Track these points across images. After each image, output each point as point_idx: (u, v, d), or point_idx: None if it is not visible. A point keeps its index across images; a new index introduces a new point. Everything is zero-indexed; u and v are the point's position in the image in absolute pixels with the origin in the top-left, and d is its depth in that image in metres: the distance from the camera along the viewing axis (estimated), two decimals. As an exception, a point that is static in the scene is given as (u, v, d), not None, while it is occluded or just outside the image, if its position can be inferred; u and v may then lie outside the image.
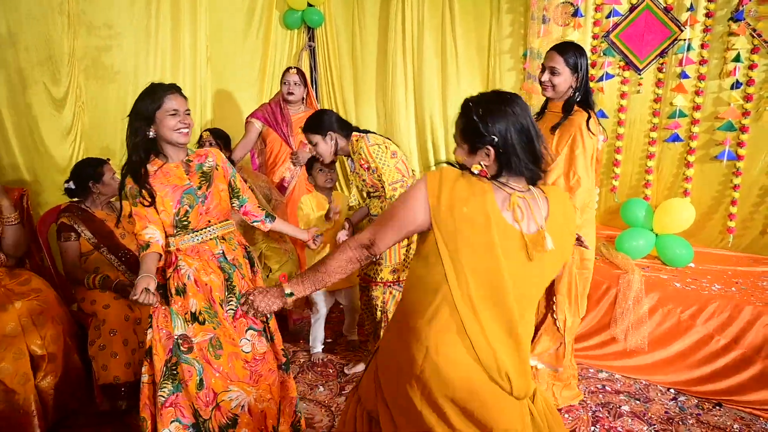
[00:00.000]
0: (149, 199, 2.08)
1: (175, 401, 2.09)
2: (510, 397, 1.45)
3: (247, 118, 3.74)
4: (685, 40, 3.65)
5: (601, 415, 2.81)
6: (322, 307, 3.30)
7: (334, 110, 4.82)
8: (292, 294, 1.62)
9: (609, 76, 3.97)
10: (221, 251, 2.21)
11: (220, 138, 3.44)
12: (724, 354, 2.90)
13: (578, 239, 2.29)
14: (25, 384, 2.48)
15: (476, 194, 1.40)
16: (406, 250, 2.87)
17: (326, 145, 2.80)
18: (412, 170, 3.05)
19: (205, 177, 2.20)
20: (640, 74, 3.86)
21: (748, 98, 3.50)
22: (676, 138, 3.79)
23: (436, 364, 1.40)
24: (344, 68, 4.93)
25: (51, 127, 3.65)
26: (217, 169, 2.26)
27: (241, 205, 2.36)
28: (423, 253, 1.47)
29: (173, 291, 2.12)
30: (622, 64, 3.94)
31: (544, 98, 2.66)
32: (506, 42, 4.34)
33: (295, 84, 3.58)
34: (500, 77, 4.40)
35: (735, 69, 3.51)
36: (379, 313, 2.90)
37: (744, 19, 3.43)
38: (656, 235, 3.57)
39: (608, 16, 3.90)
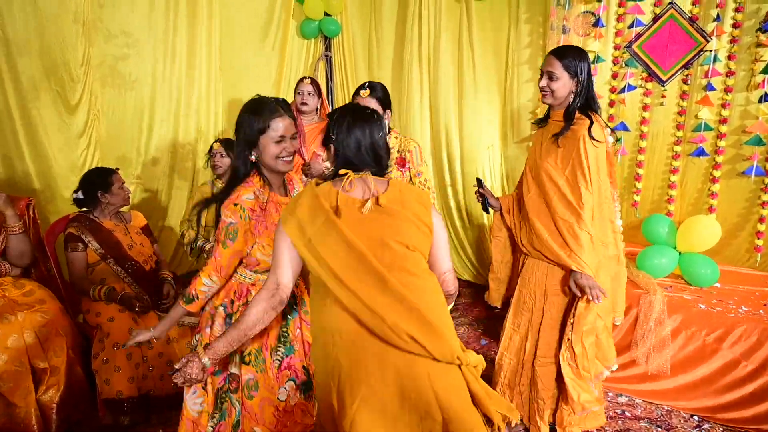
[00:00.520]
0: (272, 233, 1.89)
1: (220, 430, 2.01)
2: (438, 366, 1.58)
3: (260, 127, 3.70)
4: (711, 51, 3.53)
5: (620, 443, 2.70)
6: None
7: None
8: (207, 362, 1.76)
9: (631, 88, 3.85)
10: (294, 294, 2.06)
11: (232, 149, 3.38)
12: (752, 380, 2.76)
13: (592, 294, 2.31)
14: (27, 397, 2.44)
15: (307, 189, 1.69)
16: None
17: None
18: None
19: None
20: (663, 86, 3.74)
21: (777, 112, 3.36)
22: (701, 152, 3.65)
23: (344, 349, 1.60)
24: (360, 78, 4.89)
25: (63, 136, 3.65)
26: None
27: None
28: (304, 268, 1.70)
29: None
30: (644, 75, 3.82)
31: (546, 106, 2.56)
32: (525, 52, 4.25)
33: (309, 94, 3.53)
34: (518, 88, 4.31)
35: (764, 81, 3.37)
36: None
37: (773, 30, 3.29)
38: (680, 253, 3.43)
39: (631, 27, 3.79)
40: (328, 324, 1.63)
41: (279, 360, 2.04)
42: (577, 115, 2.41)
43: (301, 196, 1.68)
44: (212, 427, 1.98)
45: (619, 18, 3.83)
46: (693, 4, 3.57)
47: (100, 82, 3.76)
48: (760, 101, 3.40)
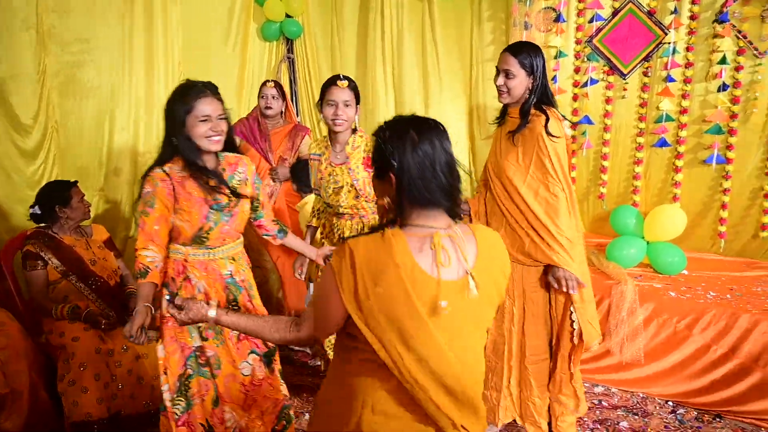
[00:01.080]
0: (188, 201, 1.97)
1: (188, 420, 2.00)
2: None
3: (224, 133, 3.62)
4: (669, 43, 3.60)
5: (599, 433, 2.72)
6: None
7: (314, 124, 4.74)
8: (212, 315, 1.53)
9: (593, 82, 3.90)
10: (230, 272, 2.12)
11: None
12: (722, 364, 2.82)
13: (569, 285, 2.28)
14: (-11, 425, 2.33)
15: (387, 263, 1.22)
16: None
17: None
18: None
19: (234, 193, 2.08)
20: (625, 79, 3.80)
21: (735, 101, 3.45)
22: (663, 143, 3.72)
23: (371, 424, 1.28)
24: (324, 80, 4.82)
25: (18, 149, 3.49)
26: (245, 185, 2.15)
27: (257, 219, 2.26)
28: (347, 329, 1.31)
29: None
30: (606, 68, 3.88)
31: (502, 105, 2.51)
32: (488, 50, 4.27)
33: (273, 98, 3.47)
34: (483, 85, 4.32)
35: (721, 71, 3.46)
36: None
37: (729, 21, 3.38)
38: (647, 242, 3.49)
39: (591, 21, 3.84)
40: (364, 394, 1.29)
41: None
42: (533, 111, 2.36)
43: (381, 272, 1.22)
44: (177, 414, 1.98)
45: (580, 13, 3.89)
46: (650, -3, 3.64)
47: (58, 91, 3.61)
48: (718, 91, 3.49)
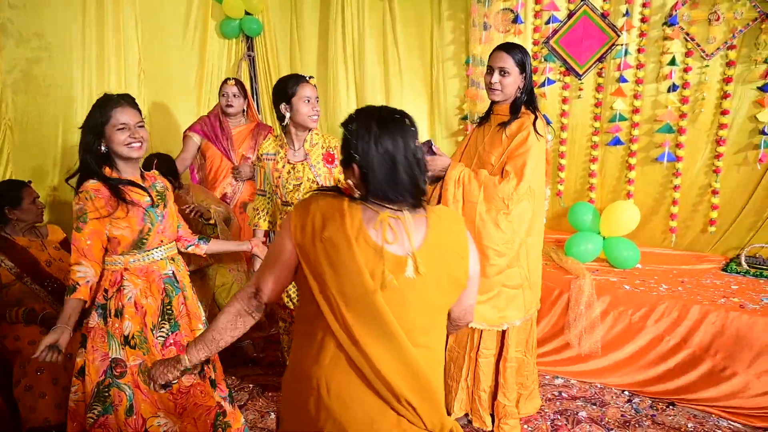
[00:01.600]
0: (125, 210, 2.00)
1: (104, 422, 2.02)
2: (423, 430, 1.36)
3: (185, 131, 3.56)
4: (622, 45, 3.72)
5: (559, 423, 2.79)
6: None
7: (274, 122, 4.70)
8: (187, 368, 1.51)
9: (550, 82, 4.00)
10: (171, 272, 2.18)
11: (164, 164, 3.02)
12: (675, 354, 2.94)
13: None
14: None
15: (337, 216, 1.30)
16: None
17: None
18: None
19: (161, 196, 2.18)
20: (580, 79, 3.91)
21: (684, 101, 3.59)
22: (617, 141, 3.85)
23: (329, 407, 1.31)
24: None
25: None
26: (168, 191, 2.25)
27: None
28: (300, 287, 1.40)
29: (113, 312, 2.06)
30: (562, 69, 3.98)
31: (490, 102, 2.57)
32: (449, 49, 4.32)
33: (234, 96, 3.43)
34: (444, 84, 4.38)
35: (671, 72, 3.60)
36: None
37: (678, 24, 3.51)
38: (603, 238, 3.60)
39: (548, 23, 3.94)
40: (316, 370, 1.33)
41: (163, 337, 2.11)
42: (523, 109, 2.46)
43: (328, 225, 1.31)
44: (92, 418, 2.01)
45: (536, 14, 3.97)
46: (604, 0, 3.75)
47: (12, 89, 3.48)
48: (668, 91, 3.63)
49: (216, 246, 2.44)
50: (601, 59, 3.82)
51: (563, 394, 3.06)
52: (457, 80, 4.34)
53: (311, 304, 1.33)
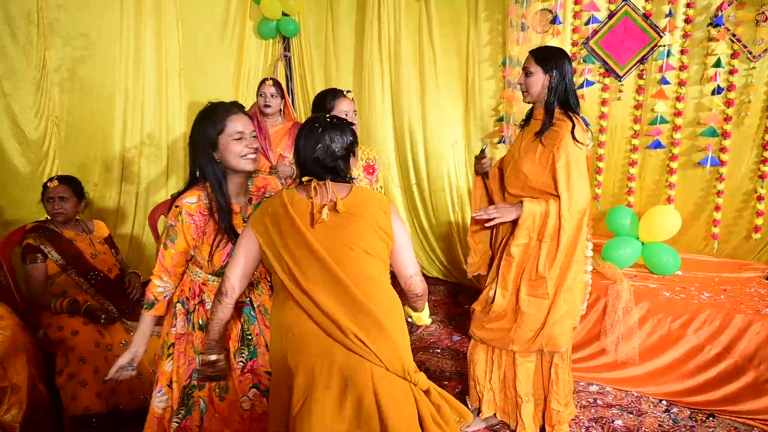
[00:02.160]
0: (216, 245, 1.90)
1: (186, 425, 1.99)
2: (384, 373, 1.60)
3: (222, 131, 3.61)
4: (664, 46, 3.64)
5: (594, 431, 2.74)
6: None
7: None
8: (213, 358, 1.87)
9: (589, 83, 3.94)
10: (249, 298, 2.07)
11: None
12: (716, 363, 2.86)
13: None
14: (-13, 419, 2.31)
15: (276, 197, 1.76)
16: None
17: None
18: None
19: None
20: (620, 81, 3.84)
21: (729, 103, 3.50)
22: (658, 145, 3.77)
23: (295, 349, 1.64)
24: (320, 78, 4.84)
25: (20, 144, 3.47)
26: None
27: None
28: (267, 264, 1.76)
29: (196, 325, 1.98)
30: (602, 71, 3.91)
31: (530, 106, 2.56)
32: (485, 50, 4.29)
33: (272, 96, 3.47)
34: (479, 85, 4.34)
35: (716, 74, 3.51)
36: None
37: (723, 24, 3.42)
38: (642, 243, 3.53)
39: (587, 23, 3.88)
40: (284, 321, 1.68)
41: (243, 362, 2.02)
42: (560, 114, 2.40)
43: (271, 203, 1.74)
44: (177, 422, 1.96)
45: (576, 15, 3.91)
46: (646, 0, 3.67)
47: (59, 87, 3.60)
48: (713, 93, 3.54)
49: None
50: (642, 61, 3.75)
51: (598, 401, 3.01)
52: (493, 81, 4.31)
53: (275, 278, 1.71)
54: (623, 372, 3.10)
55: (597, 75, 3.94)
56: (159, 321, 2.02)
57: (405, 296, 1.88)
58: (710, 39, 3.50)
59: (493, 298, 2.51)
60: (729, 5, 3.40)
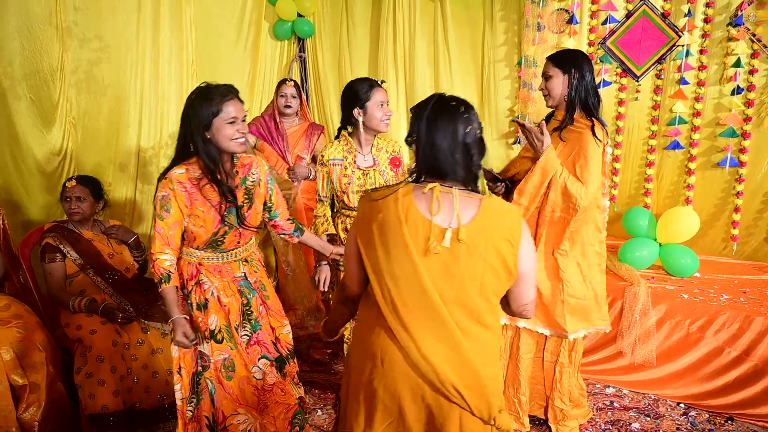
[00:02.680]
0: (205, 206, 1.97)
1: (197, 415, 2.05)
2: (471, 416, 1.43)
3: (239, 131, 3.62)
4: (683, 45, 3.60)
5: (611, 434, 2.72)
6: None
7: (324, 122, 4.76)
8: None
9: (606, 84, 3.91)
10: (243, 274, 2.15)
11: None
12: (735, 366, 2.83)
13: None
14: (7, 416, 2.33)
15: (390, 199, 1.44)
16: None
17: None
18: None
19: (248, 195, 2.10)
20: (638, 81, 3.81)
21: (749, 104, 3.45)
22: (676, 145, 3.72)
23: (383, 374, 1.44)
24: (335, 79, 4.85)
25: (38, 145, 3.51)
26: (259, 186, 2.15)
27: (272, 219, 2.26)
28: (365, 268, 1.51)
29: (194, 306, 2.05)
30: (619, 71, 3.88)
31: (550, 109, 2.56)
32: (501, 50, 4.27)
33: (293, 97, 3.49)
34: (495, 86, 4.33)
35: (735, 74, 3.46)
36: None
37: (743, 24, 3.38)
38: (660, 244, 3.49)
39: (604, 23, 3.85)
40: (374, 347, 1.47)
41: (247, 336, 2.10)
42: (580, 115, 2.40)
43: (383, 208, 1.45)
44: (191, 411, 2.02)
45: (593, 15, 3.89)
46: (665, 0, 3.64)
47: (76, 89, 3.63)
48: (732, 94, 3.49)
49: (308, 239, 2.34)
50: (660, 60, 3.71)
51: (615, 404, 2.98)
52: (509, 82, 4.28)
53: (371, 293, 1.47)
54: (640, 375, 3.07)
55: (614, 75, 3.91)
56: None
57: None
58: (730, 39, 3.46)
59: None
60: (749, 5, 3.36)
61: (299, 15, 4.61)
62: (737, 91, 3.47)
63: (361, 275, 1.53)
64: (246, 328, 2.10)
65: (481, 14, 4.29)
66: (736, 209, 3.58)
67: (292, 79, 3.56)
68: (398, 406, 1.45)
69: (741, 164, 3.52)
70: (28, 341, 2.49)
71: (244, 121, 2.00)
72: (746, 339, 2.80)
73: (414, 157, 1.50)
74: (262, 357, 2.12)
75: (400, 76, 4.59)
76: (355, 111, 2.47)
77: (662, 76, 3.73)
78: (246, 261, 2.16)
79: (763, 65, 3.40)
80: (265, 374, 2.11)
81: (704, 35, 3.55)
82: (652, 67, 3.75)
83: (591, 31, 3.92)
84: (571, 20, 3.89)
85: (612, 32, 3.83)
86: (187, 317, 1.97)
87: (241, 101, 2.01)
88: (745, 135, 3.49)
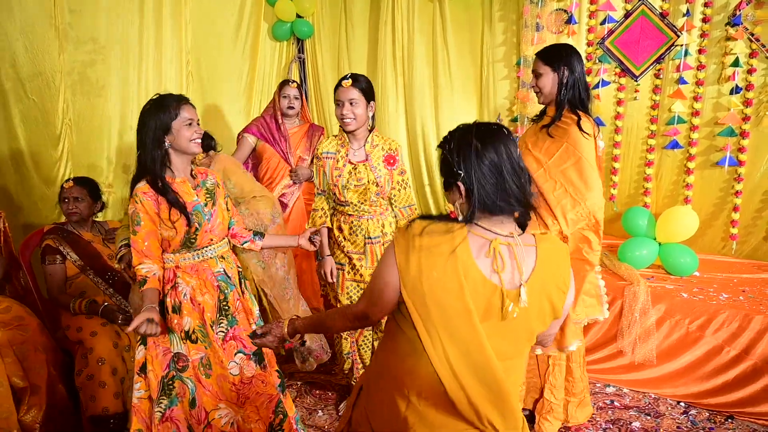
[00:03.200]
0: (175, 216, 2.03)
1: (171, 415, 2.07)
2: None
3: (240, 132, 3.62)
4: (681, 45, 3.61)
5: (612, 433, 2.73)
6: None
7: (323, 123, 4.76)
8: (287, 329, 1.62)
9: (605, 83, 3.91)
10: (222, 269, 2.20)
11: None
12: (735, 365, 2.83)
13: None
14: (8, 419, 2.33)
15: (446, 252, 1.27)
16: None
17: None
18: None
19: (209, 194, 2.20)
20: (636, 81, 3.81)
21: (747, 103, 3.46)
22: (675, 145, 3.73)
23: (420, 412, 1.34)
24: (334, 80, 4.84)
25: (39, 146, 3.52)
26: (218, 187, 2.26)
27: (229, 227, 2.31)
28: (400, 309, 1.36)
29: (170, 309, 2.09)
30: (618, 70, 3.89)
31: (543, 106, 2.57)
32: (499, 50, 4.28)
33: (295, 98, 3.49)
34: (494, 86, 4.33)
35: (734, 74, 3.47)
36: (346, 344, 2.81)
37: (741, 24, 3.39)
38: (659, 244, 3.50)
39: (603, 23, 3.85)
40: (410, 379, 1.35)
41: (223, 332, 2.15)
42: (567, 112, 2.41)
43: (437, 264, 1.27)
44: (160, 412, 2.05)
45: (591, 15, 3.90)
46: (663, 0, 3.64)
47: (71, 90, 3.64)
48: (731, 93, 3.50)
49: (270, 241, 2.41)
50: (659, 60, 3.72)
51: (615, 402, 2.98)
52: (508, 82, 4.29)
53: (409, 331, 1.32)
54: (640, 373, 3.08)
55: (613, 75, 3.91)
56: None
57: None
58: (728, 38, 3.46)
59: None
60: (747, 4, 3.37)
61: (298, 16, 4.61)
62: (736, 90, 3.48)
63: (393, 306, 1.37)
64: (222, 324, 2.15)
65: (480, 15, 4.30)
66: (735, 208, 3.59)
67: (294, 81, 3.56)
68: None
69: (740, 163, 3.53)
70: (29, 343, 2.49)
71: (198, 124, 2.12)
72: (746, 338, 2.80)
73: (460, 197, 1.32)
74: (238, 352, 2.17)
75: (399, 76, 4.60)
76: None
77: (661, 76, 3.74)
78: (222, 257, 2.22)
79: (761, 64, 3.41)
80: (242, 368, 2.16)
81: (703, 35, 3.56)
82: (651, 67, 3.76)
83: (590, 31, 3.93)
84: (569, 20, 3.90)
85: (611, 32, 3.84)
86: (156, 308, 1.97)
87: (193, 106, 2.14)
88: (743, 134, 3.49)
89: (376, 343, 2.77)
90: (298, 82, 3.86)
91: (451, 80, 4.45)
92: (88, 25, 3.69)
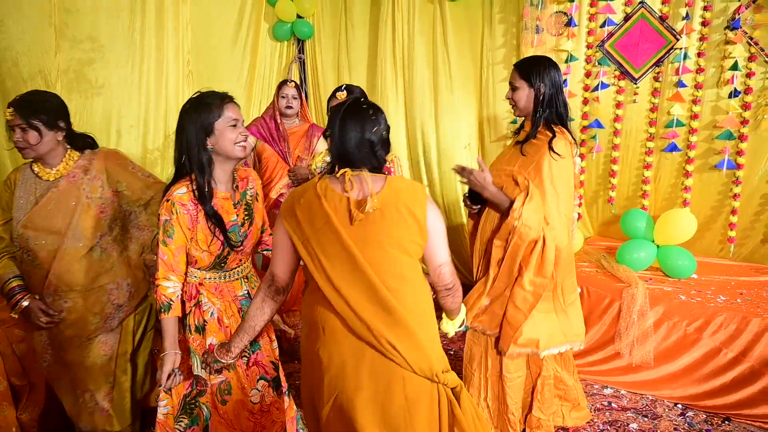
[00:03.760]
0: (210, 238, 1.91)
1: None
2: (414, 376, 1.61)
3: (239, 133, 3.62)
4: (681, 48, 3.62)
5: (609, 434, 2.74)
6: None
7: (324, 123, 4.77)
8: (229, 360, 1.92)
9: (604, 86, 3.93)
10: (246, 292, 2.09)
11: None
12: (732, 367, 2.84)
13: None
14: (6, 416, 2.34)
15: (309, 186, 1.70)
16: None
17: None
18: None
19: (248, 211, 2.04)
20: (636, 83, 3.83)
21: (746, 107, 3.47)
22: (674, 148, 3.74)
23: (326, 344, 1.66)
24: (333, 80, 4.86)
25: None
26: (257, 200, 2.11)
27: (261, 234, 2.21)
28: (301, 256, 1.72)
29: (192, 328, 1.97)
30: (617, 73, 3.90)
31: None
32: (499, 52, 4.29)
33: (293, 98, 3.50)
34: (493, 87, 4.35)
35: (733, 77, 3.48)
36: None
37: (741, 27, 3.40)
38: (658, 246, 3.51)
39: (603, 26, 3.87)
40: (315, 316, 1.69)
41: (246, 357, 2.03)
42: (542, 129, 2.34)
43: (303, 194, 1.69)
44: (180, 430, 1.96)
45: (591, 17, 3.91)
46: (663, 3, 3.66)
47: (67, 89, 3.64)
48: (729, 97, 3.51)
49: None
50: (658, 63, 3.73)
51: (613, 404, 2.99)
52: (507, 84, 4.29)
53: (308, 271, 1.67)
54: (638, 375, 3.09)
55: (612, 77, 3.93)
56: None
57: (436, 293, 1.81)
58: (727, 42, 3.48)
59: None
60: (746, 8, 3.38)
61: (299, 16, 4.63)
62: (734, 93, 3.49)
63: (291, 262, 1.75)
64: (246, 349, 2.01)
65: (480, 16, 4.31)
66: (733, 211, 3.60)
67: (292, 80, 3.57)
68: (343, 374, 1.62)
69: (738, 167, 3.54)
70: (28, 342, 2.48)
71: (243, 124, 1.97)
72: (743, 340, 2.82)
73: (330, 149, 1.74)
74: (260, 378, 2.06)
75: (399, 77, 4.60)
76: None
77: (660, 79, 3.75)
78: (246, 278, 2.12)
79: (760, 68, 3.42)
80: (263, 396, 2.05)
81: (702, 38, 3.57)
82: (650, 70, 3.77)
83: (589, 33, 3.94)
84: (569, 23, 3.91)
85: (610, 35, 3.85)
86: (179, 352, 1.91)
87: (238, 105, 1.98)
88: (742, 137, 3.50)
89: None
90: (297, 82, 3.87)
91: (451, 81, 4.46)
92: (86, 25, 3.69)
